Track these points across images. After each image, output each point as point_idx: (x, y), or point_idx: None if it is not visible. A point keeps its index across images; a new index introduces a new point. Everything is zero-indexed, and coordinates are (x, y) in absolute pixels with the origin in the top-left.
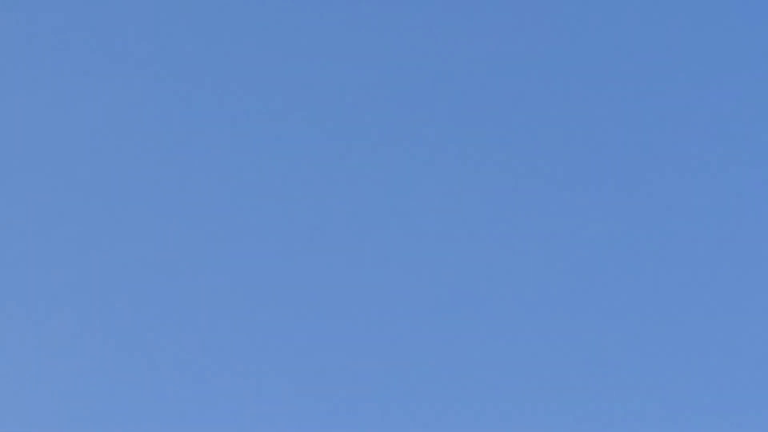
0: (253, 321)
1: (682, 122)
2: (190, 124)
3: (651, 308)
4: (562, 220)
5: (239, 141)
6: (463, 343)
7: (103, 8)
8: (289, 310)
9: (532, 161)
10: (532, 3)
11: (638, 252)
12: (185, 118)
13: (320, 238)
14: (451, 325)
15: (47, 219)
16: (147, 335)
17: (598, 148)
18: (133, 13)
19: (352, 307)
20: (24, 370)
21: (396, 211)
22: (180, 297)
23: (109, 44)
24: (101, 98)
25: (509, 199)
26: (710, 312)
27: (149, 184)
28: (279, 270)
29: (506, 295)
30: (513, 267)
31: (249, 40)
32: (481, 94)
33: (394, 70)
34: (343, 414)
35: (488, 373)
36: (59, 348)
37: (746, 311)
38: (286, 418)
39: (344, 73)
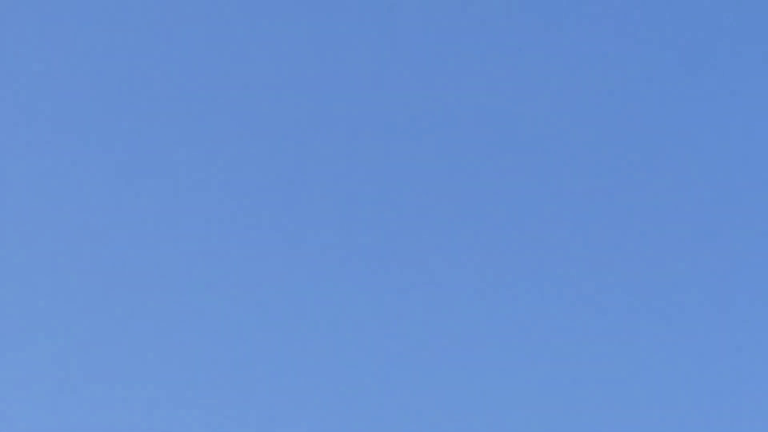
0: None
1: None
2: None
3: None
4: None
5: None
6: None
7: (101, 7)
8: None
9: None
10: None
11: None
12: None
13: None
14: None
15: (40, 224)
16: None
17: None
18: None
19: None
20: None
21: (392, 213)
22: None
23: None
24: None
25: (507, 202)
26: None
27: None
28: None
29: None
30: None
31: (243, 43)
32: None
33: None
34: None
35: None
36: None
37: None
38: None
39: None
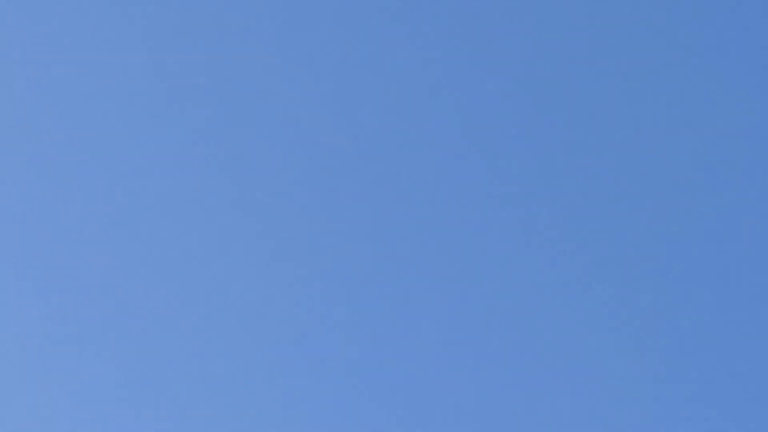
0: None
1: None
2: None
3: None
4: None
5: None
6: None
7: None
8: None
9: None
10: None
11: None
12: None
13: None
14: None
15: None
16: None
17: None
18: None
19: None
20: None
21: (392, 211)
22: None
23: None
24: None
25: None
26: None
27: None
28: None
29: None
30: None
31: (242, 43)
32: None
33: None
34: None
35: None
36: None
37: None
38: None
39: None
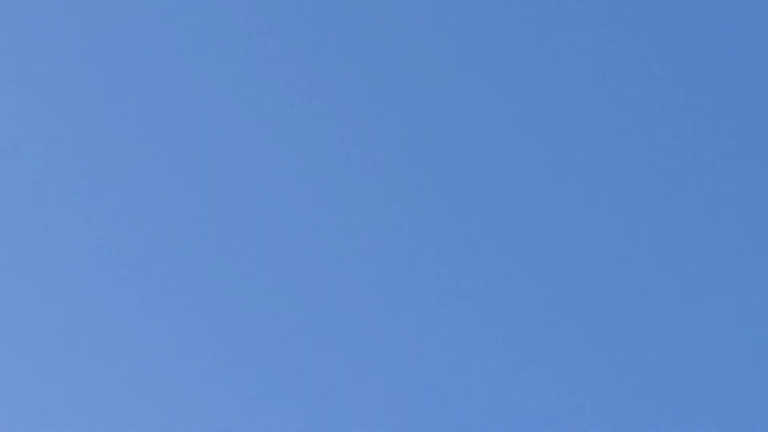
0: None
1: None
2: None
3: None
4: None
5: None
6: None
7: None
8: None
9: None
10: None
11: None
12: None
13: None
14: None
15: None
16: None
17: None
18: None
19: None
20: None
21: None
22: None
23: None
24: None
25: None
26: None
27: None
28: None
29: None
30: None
31: (243, 40)
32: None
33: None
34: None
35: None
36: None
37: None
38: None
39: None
